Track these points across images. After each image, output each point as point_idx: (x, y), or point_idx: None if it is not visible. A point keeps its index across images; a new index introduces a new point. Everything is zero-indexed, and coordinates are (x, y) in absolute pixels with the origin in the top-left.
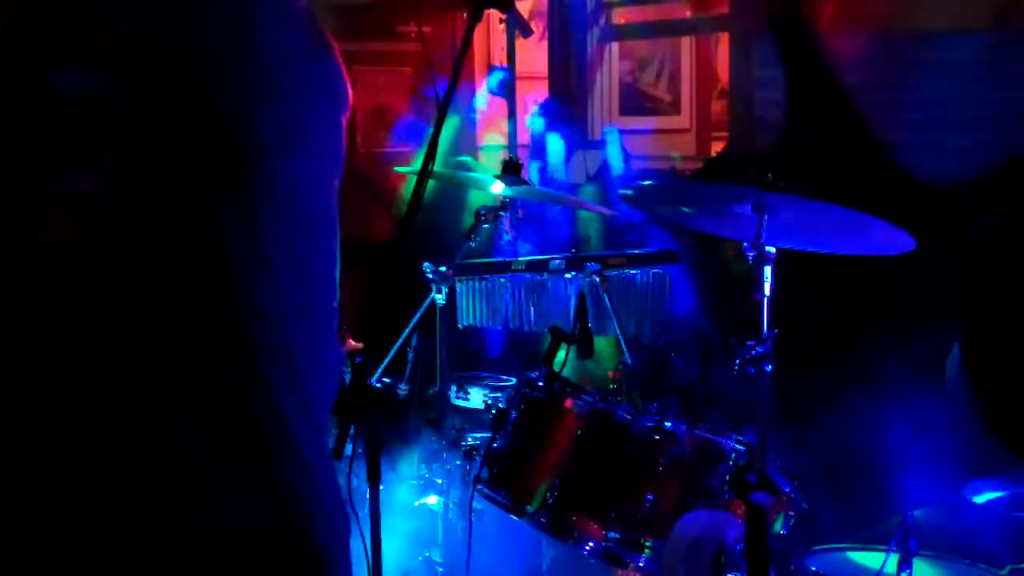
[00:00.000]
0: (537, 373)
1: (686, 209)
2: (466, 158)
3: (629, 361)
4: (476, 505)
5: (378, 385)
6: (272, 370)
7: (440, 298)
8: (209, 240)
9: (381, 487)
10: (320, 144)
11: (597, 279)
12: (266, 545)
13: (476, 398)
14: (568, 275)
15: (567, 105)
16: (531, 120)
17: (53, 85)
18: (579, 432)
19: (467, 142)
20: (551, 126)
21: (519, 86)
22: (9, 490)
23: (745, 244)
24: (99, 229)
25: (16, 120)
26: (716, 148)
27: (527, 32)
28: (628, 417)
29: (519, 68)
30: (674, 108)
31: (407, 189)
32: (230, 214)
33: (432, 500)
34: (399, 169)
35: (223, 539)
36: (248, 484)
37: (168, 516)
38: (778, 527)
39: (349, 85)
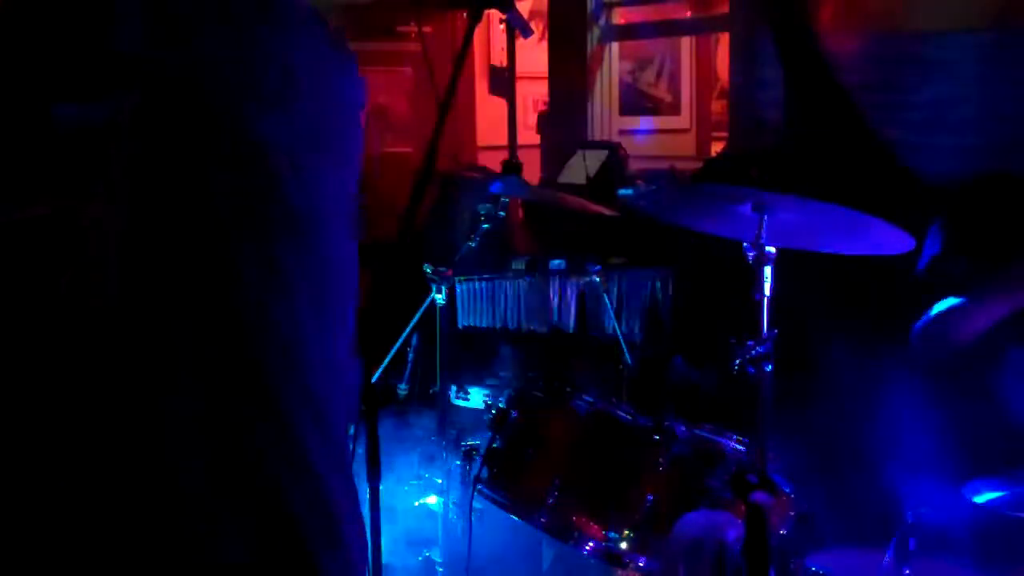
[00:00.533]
0: (537, 373)
1: (686, 209)
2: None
3: (629, 361)
4: (476, 505)
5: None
6: (279, 381)
7: (440, 298)
8: (211, 246)
9: (381, 487)
10: (332, 146)
11: (597, 279)
12: (262, 558)
13: (476, 398)
14: (568, 275)
15: (567, 105)
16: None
17: (56, 98)
18: (579, 432)
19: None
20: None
21: (519, 86)
22: (7, 501)
23: (745, 244)
24: (102, 234)
25: (19, 132)
26: (716, 148)
27: (527, 32)
28: (628, 417)
29: (519, 68)
30: (674, 108)
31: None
32: (234, 219)
33: (432, 500)
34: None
35: (218, 546)
36: (249, 497)
37: (165, 524)
38: (778, 527)
39: (365, 86)
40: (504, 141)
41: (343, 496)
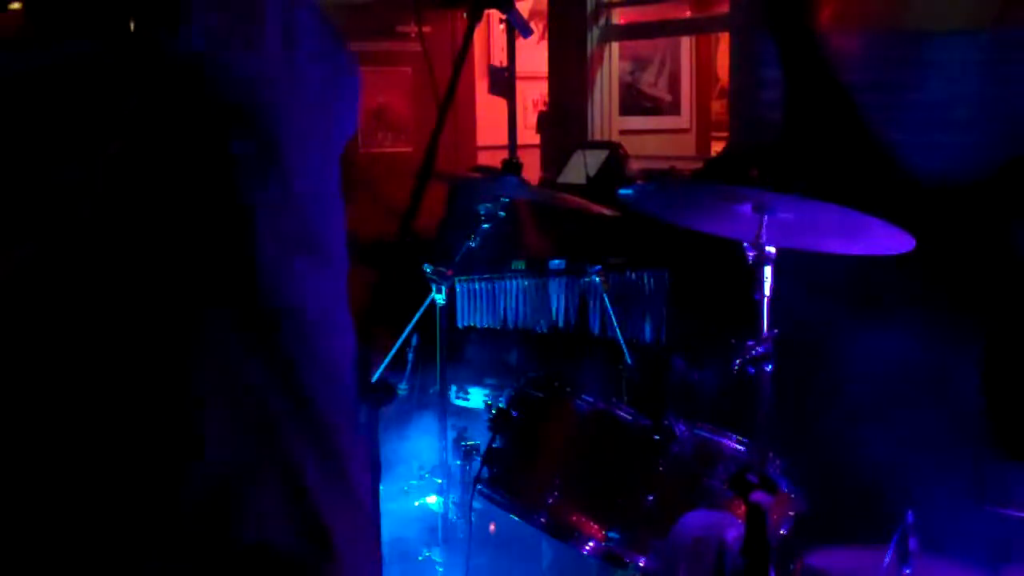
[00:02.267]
0: (537, 373)
1: (686, 209)
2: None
3: (629, 361)
4: (476, 505)
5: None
6: (299, 360)
7: (440, 298)
8: (212, 227)
9: (381, 487)
10: (328, 115)
11: (597, 280)
12: (284, 552)
13: (476, 398)
14: (568, 276)
15: (567, 105)
16: None
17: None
18: (579, 432)
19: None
20: None
21: (519, 86)
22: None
23: (745, 244)
24: (102, 216)
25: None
26: (716, 148)
27: (527, 32)
28: (628, 417)
29: (519, 68)
30: (674, 108)
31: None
32: (226, 202)
33: (432, 500)
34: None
35: (243, 543)
36: (273, 485)
37: (187, 520)
38: (778, 527)
39: (351, 54)
40: (504, 141)
41: (360, 486)
